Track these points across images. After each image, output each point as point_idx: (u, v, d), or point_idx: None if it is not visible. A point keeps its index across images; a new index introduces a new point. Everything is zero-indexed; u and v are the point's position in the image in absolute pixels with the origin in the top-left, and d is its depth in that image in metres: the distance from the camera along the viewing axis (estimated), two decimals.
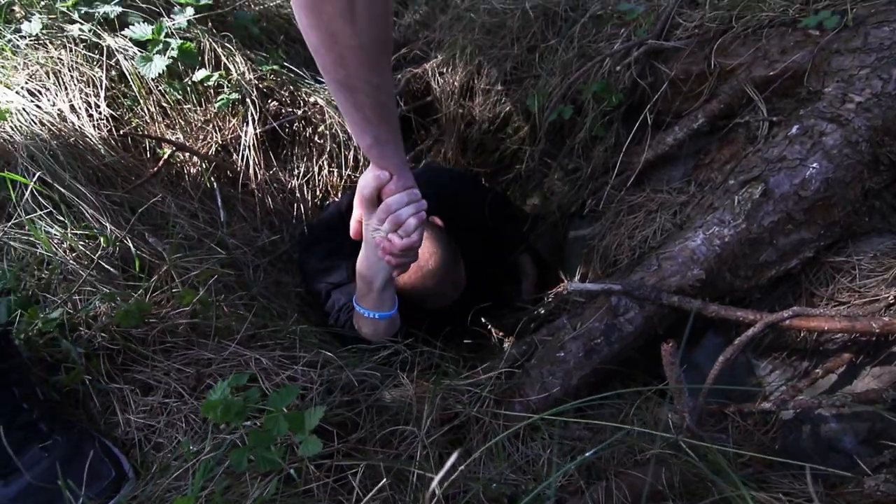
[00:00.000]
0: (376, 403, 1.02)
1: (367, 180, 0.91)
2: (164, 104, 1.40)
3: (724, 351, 0.98)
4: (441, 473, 0.73)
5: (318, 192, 1.57)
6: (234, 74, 1.46)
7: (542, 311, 1.37)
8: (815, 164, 0.95)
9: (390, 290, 1.08)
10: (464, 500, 0.82)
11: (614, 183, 1.31)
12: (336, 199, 1.60)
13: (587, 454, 0.63)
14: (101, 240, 0.97)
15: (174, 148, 1.35)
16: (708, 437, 0.74)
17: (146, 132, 1.36)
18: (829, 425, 1.10)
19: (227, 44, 1.47)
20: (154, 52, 1.29)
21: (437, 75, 1.60)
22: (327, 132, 1.56)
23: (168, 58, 1.32)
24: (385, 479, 0.71)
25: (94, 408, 0.79)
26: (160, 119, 1.39)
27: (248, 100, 1.44)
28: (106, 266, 1.02)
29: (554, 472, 0.89)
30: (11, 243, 1.00)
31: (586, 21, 1.31)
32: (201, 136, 1.43)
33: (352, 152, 1.61)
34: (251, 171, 1.48)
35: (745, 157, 1.05)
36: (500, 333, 1.53)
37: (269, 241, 1.53)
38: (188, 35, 1.42)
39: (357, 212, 0.96)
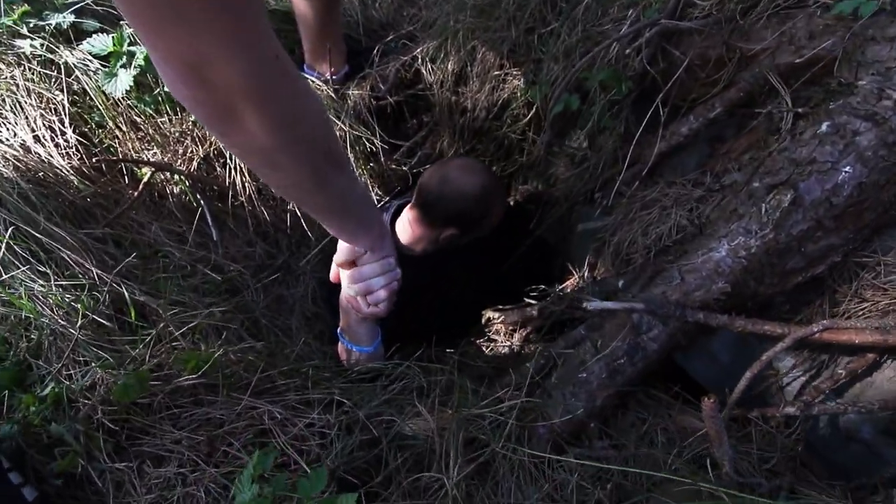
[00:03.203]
0: (397, 439, 1.00)
1: (341, 249, 0.94)
2: (136, 118, 1.29)
3: (752, 366, 0.95)
4: None
5: None
6: None
7: (554, 311, 1.33)
8: (847, 168, 0.89)
9: (367, 329, 1.10)
10: None
11: (624, 176, 1.24)
12: None
13: None
14: (83, 299, 0.90)
15: (153, 169, 1.25)
16: (746, 483, 0.71)
17: (120, 154, 1.25)
18: (848, 416, 1.09)
19: None
20: (117, 66, 1.16)
21: (429, 62, 1.48)
22: None
23: (135, 69, 1.19)
24: None
25: (101, 488, 0.76)
26: (133, 136, 1.28)
27: None
28: (99, 319, 0.96)
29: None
30: None
31: (590, 1, 1.19)
32: (180, 151, 1.33)
33: None
34: (238, 182, 1.38)
35: (770, 157, 0.98)
36: (510, 332, 1.50)
37: (266, 254, 1.46)
38: None
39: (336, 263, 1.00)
